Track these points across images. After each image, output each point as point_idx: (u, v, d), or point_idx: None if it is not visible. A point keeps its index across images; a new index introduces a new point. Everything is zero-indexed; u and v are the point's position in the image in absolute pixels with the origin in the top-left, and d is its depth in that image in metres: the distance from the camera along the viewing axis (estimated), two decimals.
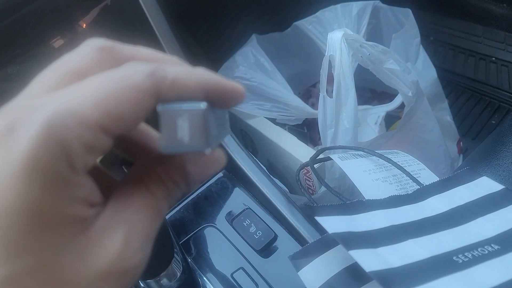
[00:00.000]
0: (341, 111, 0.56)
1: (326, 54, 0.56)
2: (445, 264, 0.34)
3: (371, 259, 0.34)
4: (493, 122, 0.94)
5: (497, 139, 0.55)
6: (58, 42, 0.53)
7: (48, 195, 0.16)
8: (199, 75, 0.19)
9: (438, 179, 0.47)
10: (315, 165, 0.53)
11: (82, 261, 0.17)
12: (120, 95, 0.17)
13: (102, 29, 0.53)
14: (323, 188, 0.61)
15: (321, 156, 0.53)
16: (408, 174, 0.48)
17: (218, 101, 0.20)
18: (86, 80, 0.18)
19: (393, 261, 0.34)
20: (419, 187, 0.46)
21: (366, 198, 0.43)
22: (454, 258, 0.35)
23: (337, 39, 0.54)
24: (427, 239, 0.37)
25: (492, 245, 0.36)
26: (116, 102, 0.17)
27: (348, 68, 0.55)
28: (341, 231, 0.37)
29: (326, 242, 0.40)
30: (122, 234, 0.18)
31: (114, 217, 0.18)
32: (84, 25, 0.54)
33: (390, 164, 0.49)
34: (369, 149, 0.51)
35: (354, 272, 0.37)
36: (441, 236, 0.38)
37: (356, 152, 0.52)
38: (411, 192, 0.45)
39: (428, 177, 0.50)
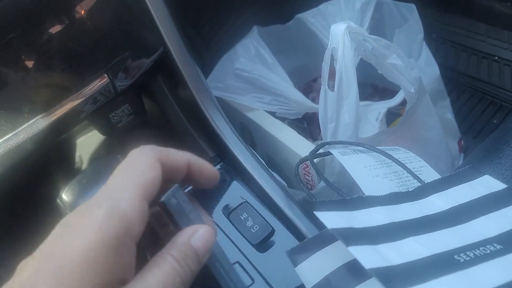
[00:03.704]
0: (342, 105, 0.55)
1: (328, 46, 0.55)
2: (446, 262, 0.33)
3: (370, 256, 0.33)
4: (495, 121, 0.94)
5: (500, 138, 0.54)
6: (55, 28, 0.52)
7: (103, 256, 0.22)
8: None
9: (439, 176, 0.46)
10: (315, 160, 0.52)
11: None
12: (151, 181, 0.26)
13: (101, 18, 0.52)
14: (322, 183, 0.60)
15: (321, 150, 0.52)
16: (409, 171, 0.47)
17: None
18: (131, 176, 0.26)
19: (393, 258, 0.33)
20: (420, 185, 0.45)
21: (366, 194, 0.42)
22: (456, 257, 0.34)
23: (340, 32, 0.53)
24: (428, 237, 0.37)
25: (495, 244, 0.35)
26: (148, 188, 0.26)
27: (351, 62, 0.54)
28: (341, 226, 0.36)
29: (325, 237, 0.39)
30: None
31: None
32: (83, 11, 0.53)
33: (391, 161, 0.49)
34: (369, 145, 0.50)
35: (353, 268, 0.36)
36: (442, 234, 0.37)
37: (357, 148, 0.51)
38: (412, 189, 0.44)
39: (429, 174, 0.49)
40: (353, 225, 0.37)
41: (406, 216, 0.39)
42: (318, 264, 0.38)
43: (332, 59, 0.55)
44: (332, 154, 0.49)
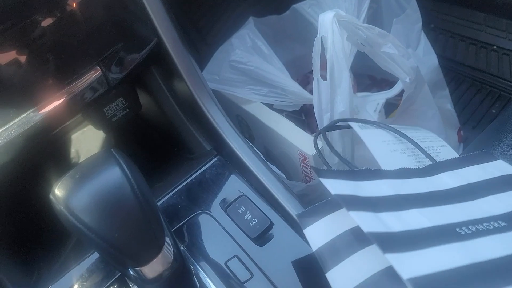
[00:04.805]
0: (336, 94, 0.54)
1: (318, 35, 0.54)
2: (447, 234, 0.33)
3: (370, 221, 0.33)
4: (494, 111, 0.93)
5: (500, 127, 0.53)
6: (47, 21, 0.51)
7: None
8: None
9: (458, 156, 0.46)
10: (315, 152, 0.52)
11: None
12: None
13: (93, 9, 0.51)
14: None
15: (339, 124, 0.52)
16: (421, 148, 0.46)
17: None
18: None
19: (393, 226, 0.34)
20: (431, 163, 0.45)
21: (382, 167, 0.43)
22: (457, 229, 0.34)
23: (328, 20, 0.52)
24: (432, 210, 0.37)
25: (499, 221, 0.35)
26: None
27: (341, 50, 0.53)
28: (344, 193, 0.36)
29: (333, 204, 0.40)
30: None
31: None
32: (74, 4, 0.52)
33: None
34: (385, 124, 0.49)
35: (358, 234, 0.36)
36: (447, 209, 0.37)
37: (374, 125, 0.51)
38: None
39: (449, 154, 0.49)
40: (358, 193, 0.37)
41: (413, 190, 0.39)
42: (325, 228, 0.39)
43: (323, 48, 0.54)
44: (352, 127, 0.49)
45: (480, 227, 0.34)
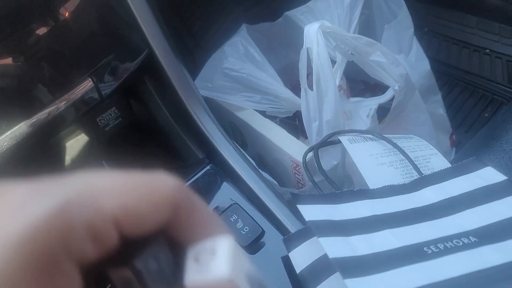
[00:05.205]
0: (323, 103, 0.55)
1: (303, 47, 0.55)
2: (414, 254, 0.34)
3: (338, 247, 0.34)
4: (486, 115, 0.93)
5: (490, 133, 0.54)
6: (40, 31, 0.51)
7: (25, 276, 0.15)
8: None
9: (448, 164, 0.46)
10: (307, 158, 0.52)
11: None
12: (144, 196, 0.17)
13: (83, 22, 0.51)
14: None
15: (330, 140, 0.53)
16: (411, 161, 0.47)
17: None
18: (118, 173, 0.18)
19: (361, 249, 0.34)
20: (419, 176, 0.45)
21: (368, 182, 0.43)
22: (425, 248, 0.34)
23: (313, 32, 0.53)
24: (405, 229, 0.37)
25: (470, 237, 0.35)
26: (137, 201, 0.17)
27: (326, 61, 0.54)
28: (318, 219, 0.37)
29: None
30: None
31: None
32: (67, 13, 0.52)
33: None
34: (378, 133, 0.50)
35: None
36: (421, 227, 0.38)
37: (367, 136, 0.51)
38: (415, 178, 0.45)
39: (439, 162, 0.49)
40: (333, 217, 0.38)
41: (391, 209, 0.40)
42: (308, 251, 0.39)
43: (309, 59, 0.55)
44: (339, 143, 0.50)
45: (449, 244, 0.34)
